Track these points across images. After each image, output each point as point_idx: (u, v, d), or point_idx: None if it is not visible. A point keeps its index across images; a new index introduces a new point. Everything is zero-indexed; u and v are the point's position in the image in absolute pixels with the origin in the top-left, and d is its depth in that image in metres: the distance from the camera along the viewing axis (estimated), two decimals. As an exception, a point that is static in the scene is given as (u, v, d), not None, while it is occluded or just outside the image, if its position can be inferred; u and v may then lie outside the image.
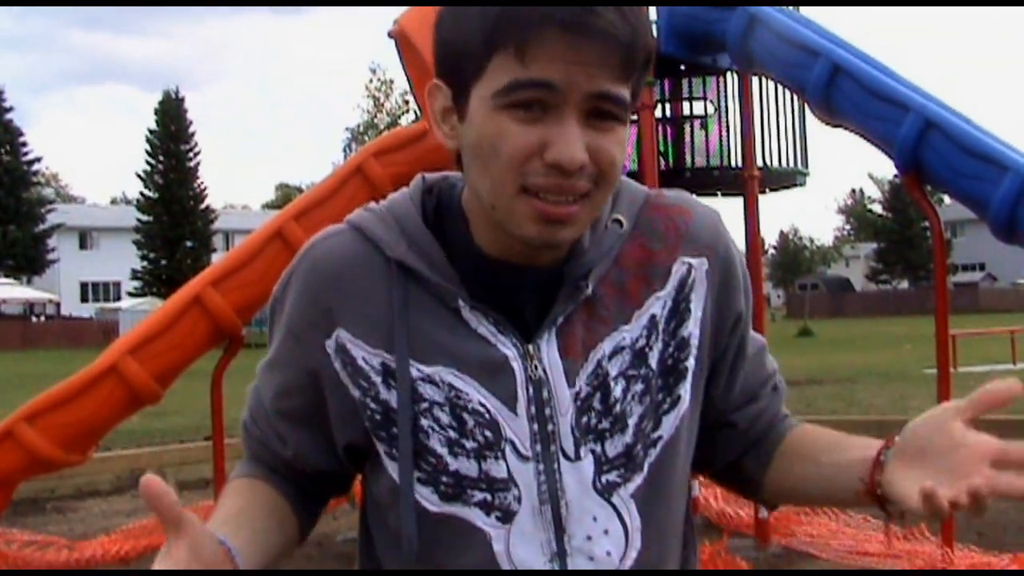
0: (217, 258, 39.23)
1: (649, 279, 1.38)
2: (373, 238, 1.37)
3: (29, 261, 61.34)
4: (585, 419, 1.33)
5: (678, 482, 1.41)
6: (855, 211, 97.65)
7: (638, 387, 1.36)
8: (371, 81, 57.06)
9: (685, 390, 1.40)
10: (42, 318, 62.14)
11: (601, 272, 1.36)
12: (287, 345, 1.40)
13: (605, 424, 1.33)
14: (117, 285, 70.57)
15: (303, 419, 1.42)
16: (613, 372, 1.34)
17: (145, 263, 61.49)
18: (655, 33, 7.66)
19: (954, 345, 17.49)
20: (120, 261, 66.13)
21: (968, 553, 6.53)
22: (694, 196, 1.47)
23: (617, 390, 1.34)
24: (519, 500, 1.31)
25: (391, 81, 55.14)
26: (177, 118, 63.52)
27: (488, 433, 1.32)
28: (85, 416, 6.29)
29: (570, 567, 1.31)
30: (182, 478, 11.05)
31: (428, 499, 1.33)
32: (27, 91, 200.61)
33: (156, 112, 63.47)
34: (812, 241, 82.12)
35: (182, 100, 64.14)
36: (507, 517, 1.31)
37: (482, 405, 1.32)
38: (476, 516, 1.32)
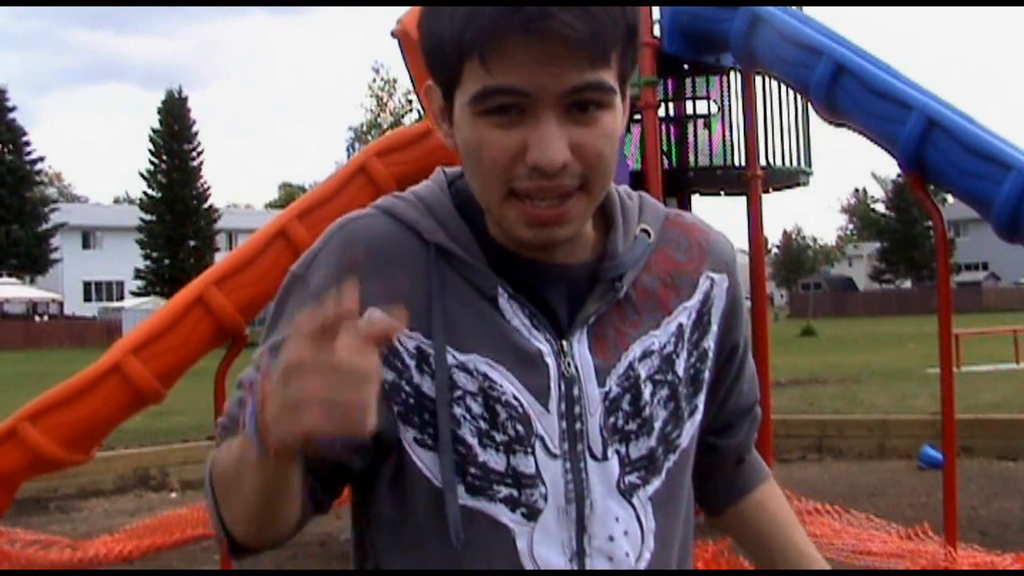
0: (220, 257, 39.31)
1: (678, 288, 1.41)
2: (408, 222, 1.35)
3: (32, 260, 61.34)
4: (612, 419, 1.33)
5: (686, 488, 1.43)
6: (858, 210, 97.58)
7: (664, 392, 1.37)
8: (374, 80, 56.88)
9: (701, 401, 1.44)
10: (45, 317, 62.17)
11: (633, 276, 1.37)
12: None
13: (632, 426, 1.34)
14: (120, 284, 70.56)
15: None
16: (643, 375, 1.36)
17: (148, 262, 61.39)
18: (658, 32, 7.68)
19: (957, 345, 17.50)
20: (123, 260, 66.10)
21: (971, 552, 6.53)
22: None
23: (647, 393, 1.35)
24: (545, 498, 1.30)
25: (394, 80, 55.01)
26: (180, 117, 63.42)
27: (520, 427, 1.30)
28: (88, 415, 6.29)
29: (588, 567, 1.31)
30: (185, 478, 11.06)
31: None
32: (30, 91, 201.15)
33: (159, 111, 63.37)
34: (815, 240, 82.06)
35: (185, 99, 64.04)
36: (532, 515, 1.30)
37: (516, 398, 1.30)
38: (501, 512, 1.30)
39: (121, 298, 66.70)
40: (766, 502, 1.62)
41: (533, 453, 1.30)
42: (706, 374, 1.44)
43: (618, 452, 1.33)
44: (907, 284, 79.03)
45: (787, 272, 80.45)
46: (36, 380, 13.00)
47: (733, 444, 1.59)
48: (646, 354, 1.36)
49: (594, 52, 1.20)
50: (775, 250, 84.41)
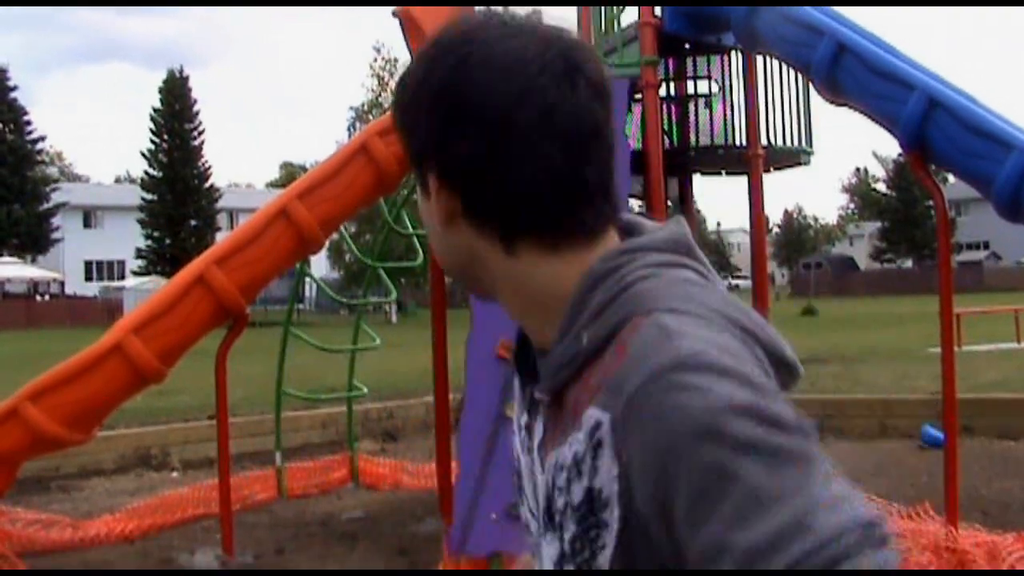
0: (221, 237, 39.29)
1: (581, 412, 1.18)
2: None
3: (33, 240, 61.34)
4: (552, 508, 1.25)
5: None
6: (859, 190, 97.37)
7: (569, 508, 1.20)
8: (375, 60, 56.77)
9: (608, 543, 1.16)
10: (46, 297, 62.17)
11: (558, 384, 1.23)
12: None
13: (556, 521, 1.24)
14: (121, 264, 70.61)
15: None
16: (558, 483, 1.22)
17: (149, 242, 61.45)
18: (659, 12, 7.64)
19: (958, 324, 17.49)
20: (124, 240, 66.15)
21: (973, 532, 6.54)
22: (672, 330, 1.10)
23: (560, 501, 1.22)
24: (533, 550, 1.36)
25: (395, 60, 54.80)
26: (181, 97, 63.39)
27: (515, 480, 1.40)
28: (89, 395, 6.30)
29: None
30: (186, 457, 11.08)
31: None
32: (31, 70, 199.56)
33: (160, 91, 63.35)
34: (816, 220, 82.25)
35: (186, 79, 63.99)
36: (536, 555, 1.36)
37: (518, 458, 1.38)
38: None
39: (122, 277, 66.74)
40: None
41: (527, 504, 1.37)
42: (608, 516, 1.15)
43: (559, 540, 1.24)
44: (908, 263, 78.98)
45: (788, 251, 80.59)
46: (37, 360, 13.00)
47: None
48: (559, 467, 1.21)
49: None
50: (776, 229, 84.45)
